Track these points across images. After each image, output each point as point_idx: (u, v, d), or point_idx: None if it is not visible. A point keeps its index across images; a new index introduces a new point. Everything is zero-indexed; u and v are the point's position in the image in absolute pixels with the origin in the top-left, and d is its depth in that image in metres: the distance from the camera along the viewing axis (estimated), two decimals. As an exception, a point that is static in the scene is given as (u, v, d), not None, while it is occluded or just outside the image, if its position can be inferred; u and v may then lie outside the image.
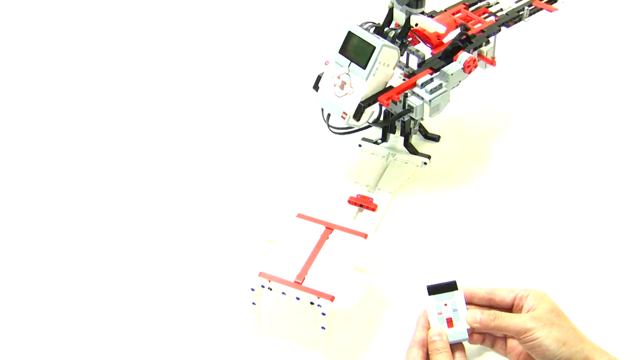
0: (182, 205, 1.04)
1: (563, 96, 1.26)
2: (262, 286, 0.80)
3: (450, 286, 0.74)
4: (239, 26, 1.49)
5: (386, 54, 0.90)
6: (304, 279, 0.79)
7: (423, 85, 0.95)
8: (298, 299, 0.78)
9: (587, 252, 0.94)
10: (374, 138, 1.12)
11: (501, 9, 1.10)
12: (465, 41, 1.00)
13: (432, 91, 0.95)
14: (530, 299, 0.71)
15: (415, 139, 1.13)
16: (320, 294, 0.78)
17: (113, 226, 1.01)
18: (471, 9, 1.09)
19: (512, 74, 1.31)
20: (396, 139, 1.12)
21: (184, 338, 0.85)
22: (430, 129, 1.15)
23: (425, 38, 1.03)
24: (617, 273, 0.91)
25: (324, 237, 0.85)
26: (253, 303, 0.82)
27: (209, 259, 0.95)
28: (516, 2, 1.11)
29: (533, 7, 1.09)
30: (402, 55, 0.98)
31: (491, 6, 1.11)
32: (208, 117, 1.23)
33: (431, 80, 0.96)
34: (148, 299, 0.90)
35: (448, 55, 0.98)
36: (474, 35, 1.01)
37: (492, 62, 1.05)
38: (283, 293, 0.79)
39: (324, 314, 0.77)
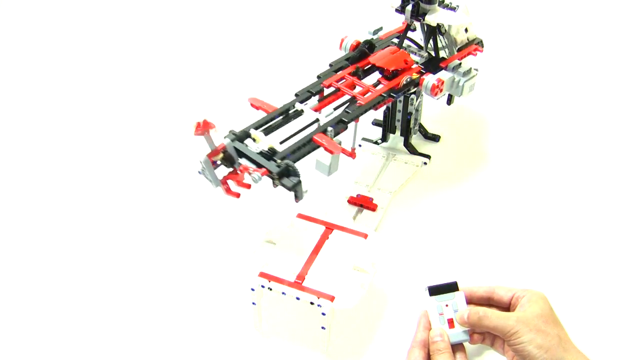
0: (183, 206, 1.04)
1: (562, 96, 1.26)
2: (262, 286, 0.80)
3: (451, 287, 0.74)
4: (237, 27, 1.49)
5: None
6: (304, 279, 0.79)
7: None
8: (298, 299, 0.78)
9: (586, 251, 0.94)
10: (374, 138, 1.12)
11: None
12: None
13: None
14: (524, 300, 0.71)
15: (415, 139, 1.13)
16: (320, 294, 0.77)
17: (114, 226, 1.01)
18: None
19: (512, 74, 1.32)
20: (396, 139, 1.12)
21: (185, 338, 0.85)
22: (430, 129, 1.15)
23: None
24: (616, 273, 0.91)
25: (324, 237, 0.85)
26: (253, 303, 0.82)
27: (210, 259, 0.95)
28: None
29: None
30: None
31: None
32: (208, 117, 1.23)
33: None
34: (149, 299, 0.90)
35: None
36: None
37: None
38: (283, 293, 0.79)
39: (324, 314, 0.77)
